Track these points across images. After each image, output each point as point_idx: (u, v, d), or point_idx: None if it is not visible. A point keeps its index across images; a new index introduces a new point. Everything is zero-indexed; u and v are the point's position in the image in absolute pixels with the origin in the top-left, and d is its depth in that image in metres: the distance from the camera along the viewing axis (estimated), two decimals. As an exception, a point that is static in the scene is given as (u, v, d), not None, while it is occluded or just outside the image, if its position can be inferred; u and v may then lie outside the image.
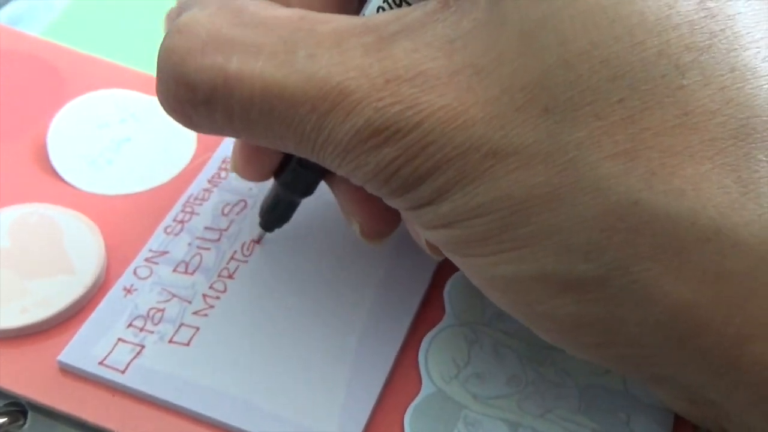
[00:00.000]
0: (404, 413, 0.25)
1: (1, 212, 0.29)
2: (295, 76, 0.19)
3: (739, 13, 0.18)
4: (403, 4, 0.20)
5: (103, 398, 0.25)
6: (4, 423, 0.25)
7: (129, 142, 0.32)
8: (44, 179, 0.31)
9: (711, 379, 0.19)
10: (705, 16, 0.18)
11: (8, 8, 0.39)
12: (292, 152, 0.21)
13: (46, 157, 0.31)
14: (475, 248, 0.20)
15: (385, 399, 0.25)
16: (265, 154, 0.25)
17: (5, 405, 0.25)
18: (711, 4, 0.18)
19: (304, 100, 0.19)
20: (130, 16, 0.39)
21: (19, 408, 0.25)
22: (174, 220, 0.29)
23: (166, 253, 0.28)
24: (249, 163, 0.25)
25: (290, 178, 0.25)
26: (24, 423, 0.25)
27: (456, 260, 0.22)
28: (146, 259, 0.28)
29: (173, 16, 0.22)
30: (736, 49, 0.18)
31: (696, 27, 0.18)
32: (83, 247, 0.28)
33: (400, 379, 0.26)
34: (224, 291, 0.27)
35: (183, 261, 0.28)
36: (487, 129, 0.18)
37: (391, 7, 0.20)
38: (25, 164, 0.31)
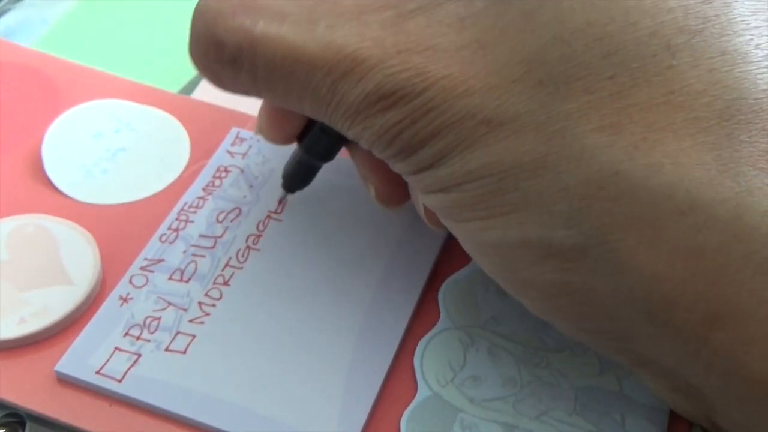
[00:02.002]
0: (400, 418, 0.25)
1: (-3, 224, 0.29)
2: (314, 42, 0.21)
3: (736, 1, 0.19)
4: None
5: (100, 407, 0.25)
6: (2, 434, 0.25)
7: (124, 152, 0.32)
8: (39, 190, 0.31)
9: (685, 361, 0.19)
10: (701, 2, 0.19)
11: (2, 20, 0.39)
12: (308, 113, 0.23)
13: (41, 168, 0.32)
14: (467, 213, 0.21)
15: (382, 404, 0.26)
16: (289, 117, 0.26)
17: (4, 416, 0.25)
18: None
19: (322, 65, 0.21)
20: (123, 26, 0.40)
21: (17, 419, 0.25)
22: (169, 228, 0.30)
23: (161, 261, 0.29)
24: (273, 126, 0.26)
25: (312, 142, 0.27)
26: (22, 433, 0.25)
27: (450, 225, 0.23)
28: (142, 268, 0.28)
29: None
30: (729, 34, 0.18)
31: (691, 11, 0.19)
32: (79, 258, 0.28)
33: (396, 383, 0.26)
34: (220, 298, 0.28)
35: (178, 269, 0.28)
36: (483, 98, 0.19)
37: None
38: (21, 175, 0.32)
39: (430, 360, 0.26)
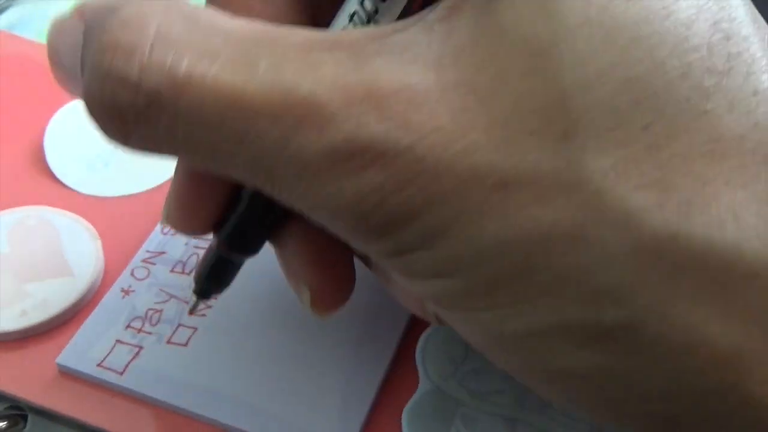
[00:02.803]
0: (402, 411, 0.25)
1: (0, 216, 0.29)
2: (255, 84, 0.17)
3: (751, 35, 0.17)
4: (373, 23, 0.18)
5: (102, 400, 0.25)
6: (4, 426, 0.25)
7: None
8: (41, 182, 0.31)
9: None
10: (721, 38, 0.17)
11: (7, 14, 0.39)
12: (240, 177, 0.18)
13: (43, 160, 0.32)
14: (479, 301, 0.17)
15: (383, 397, 0.26)
16: (205, 202, 0.21)
17: (5, 408, 0.25)
18: (725, 26, 0.17)
19: (266, 110, 0.16)
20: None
21: (19, 411, 0.25)
22: (171, 221, 0.29)
23: (163, 253, 0.28)
24: (185, 213, 0.21)
25: (233, 233, 0.21)
26: (24, 426, 0.25)
27: (449, 316, 0.19)
28: (143, 260, 0.28)
29: (84, 12, 0.19)
30: (755, 72, 0.17)
31: (714, 49, 0.17)
32: (81, 250, 0.28)
33: (398, 377, 0.26)
34: (221, 291, 0.28)
35: (180, 261, 0.28)
36: (493, 156, 0.16)
37: (357, 27, 0.18)
38: (23, 167, 0.32)
39: (432, 354, 0.26)
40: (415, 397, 0.25)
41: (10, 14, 0.39)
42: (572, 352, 0.17)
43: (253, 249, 0.22)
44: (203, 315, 0.27)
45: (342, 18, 0.19)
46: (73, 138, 0.32)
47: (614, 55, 0.16)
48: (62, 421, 0.25)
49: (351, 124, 0.16)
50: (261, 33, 0.17)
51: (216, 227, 0.21)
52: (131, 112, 0.17)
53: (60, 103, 0.33)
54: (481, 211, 0.16)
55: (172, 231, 0.29)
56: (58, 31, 0.19)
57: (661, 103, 0.16)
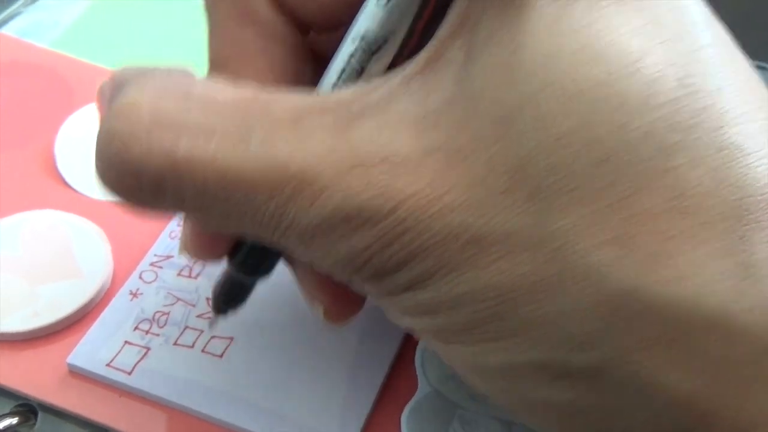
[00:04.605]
0: (401, 413, 0.26)
1: (12, 219, 0.30)
2: (251, 162, 0.18)
3: (720, 88, 0.18)
4: (360, 79, 0.19)
5: (110, 399, 0.26)
6: (15, 423, 0.26)
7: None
8: (53, 186, 0.32)
9: None
10: (687, 94, 0.17)
11: (18, 21, 0.40)
12: (250, 237, 0.20)
13: (54, 165, 0.32)
14: (460, 337, 0.19)
15: (383, 399, 0.26)
16: (218, 234, 0.23)
17: (16, 405, 0.26)
18: (691, 81, 0.17)
19: (263, 187, 0.18)
20: (133, 28, 0.40)
21: (29, 408, 0.26)
22: (178, 225, 0.30)
23: (170, 257, 0.29)
24: (200, 244, 0.23)
25: (245, 259, 0.23)
26: (34, 423, 0.26)
27: (435, 346, 0.20)
28: (152, 264, 0.29)
29: (107, 92, 0.20)
30: (722, 126, 0.17)
31: (679, 106, 0.17)
32: (91, 253, 0.29)
33: (398, 379, 0.27)
34: (227, 294, 0.28)
35: (187, 265, 0.29)
36: (466, 216, 0.17)
37: (347, 84, 0.19)
38: (34, 172, 0.32)
39: (431, 357, 0.27)
40: (415, 399, 0.26)
41: (22, 20, 0.40)
42: (545, 386, 0.18)
43: (264, 272, 0.23)
44: (209, 317, 0.28)
45: (332, 74, 0.20)
46: (84, 144, 0.33)
47: (575, 119, 0.17)
48: (71, 418, 0.26)
49: (340, 194, 0.18)
50: (252, 102, 0.19)
51: (230, 253, 0.23)
52: (137, 194, 0.19)
53: (70, 110, 0.34)
54: (456, 263, 0.18)
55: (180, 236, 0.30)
56: (100, 92, 0.21)
57: (623, 162, 0.17)
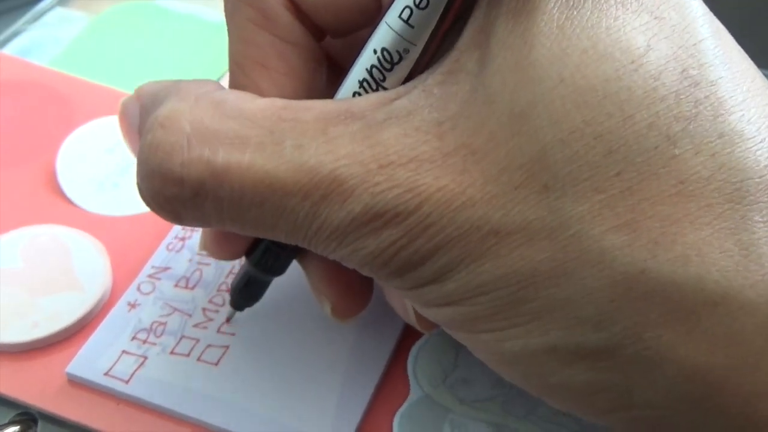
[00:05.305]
0: (393, 417, 0.26)
1: (14, 234, 0.31)
2: (285, 167, 0.19)
3: (720, 78, 0.19)
4: (380, 88, 0.20)
5: (108, 407, 0.26)
6: (16, 431, 0.26)
7: (134, 166, 0.34)
8: (54, 201, 0.33)
9: None
10: (689, 85, 0.18)
11: (18, 40, 0.41)
12: (282, 240, 0.21)
13: (56, 181, 0.33)
14: (483, 324, 0.20)
15: (376, 404, 0.27)
16: (236, 235, 0.24)
17: (17, 414, 0.27)
18: (693, 72, 0.19)
19: (296, 190, 0.19)
20: (133, 45, 0.41)
21: (30, 417, 0.27)
22: (175, 238, 0.31)
23: (168, 269, 0.30)
24: (220, 243, 0.25)
25: (262, 258, 0.25)
26: (35, 431, 0.26)
27: (460, 336, 0.21)
28: (149, 275, 0.30)
29: (130, 107, 0.22)
30: (721, 114, 0.18)
31: (682, 96, 0.18)
32: (90, 265, 0.30)
33: (390, 385, 0.27)
34: (222, 304, 0.29)
35: (184, 276, 0.30)
36: (487, 209, 0.19)
37: (367, 92, 0.20)
38: (36, 188, 0.33)
39: (423, 363, 0.28)
40: (407, 404, 0.27)
41: (24, 38, 0.41)
42: (562, 369, 0.20)
43: (279, 270, 0.26)
44: (205, 328, 0.28)
45: (351, 82, 0.21)
46: (84, 160, 0.34)
47: (586, 113, 0.18)
48: (71, 426, 0.26)
49: (368, 194, 0.19)
50: (282, 111, 0.20)
51: (247, 252, 0.25)
52: (179, 201, 0.20)
53: (72, 127, 0.35)
54: (478, 253, 0.19)
55: (177, 248, 0.31)
56: (123, 108, 0.23)
57: (631, 152, 0.18)
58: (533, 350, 0.20)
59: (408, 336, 0.28)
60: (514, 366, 0.21)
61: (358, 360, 0.27)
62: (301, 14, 0.21)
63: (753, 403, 0.19)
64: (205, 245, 0.25)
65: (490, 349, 0.21)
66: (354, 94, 0.21)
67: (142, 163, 0.21)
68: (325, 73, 0.23)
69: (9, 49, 0.40)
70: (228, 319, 0.29)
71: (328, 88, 0.22)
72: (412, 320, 0.25)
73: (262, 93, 0.21)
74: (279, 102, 0.20)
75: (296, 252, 0.25)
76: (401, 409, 0.26)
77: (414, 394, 0.27)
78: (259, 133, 0.20)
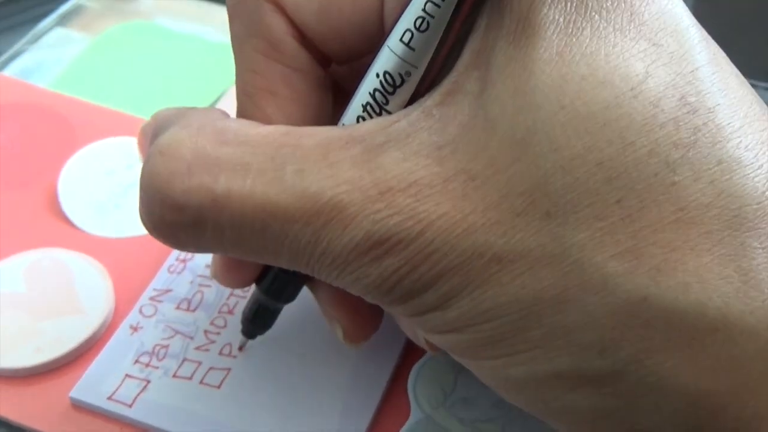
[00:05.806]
0: (394, 438, 0.26)
1: (16, 258, 0.31)
2: (286, 193, 0.19)
3: (717, 105, 0.19)
4: (383, 112, 0.21)
5: (112, 431, 0.27)
6: (20, 456, 0.27)
7: (135, 187, 0.34)
8: (56, 224, 0.33)
9: None
10: (687, 112, 0.19)
11: (19, 62, 0.42)
12: (285, 266, 0.21)
13: (57, 203, 0.34)
14: (486, 351, 0.20)
15: (376, 426, 0.27)
16: (246, 261, 0.25)
17: (21, 439, 0.27)
18: (691, 99, 0.19)
19: (298, 216, 0.19)
20: (134, 66, 0.41)
21: (34, 442, 0.27)
22: (177, 259, 0.31)
23: (169, 291, 0.30)
24: (230, 272, 0.25)
25: (272, 285, 0.25)
26: (39, 456, 0.27)
27: (464, 362, 0.21)
28: (151, 298, 0.30)
29: (148, 132, 0.22)
30: (719, 141, 0.19)
31: (680, 123, 0.18)
32: (93, 289, 0.30)
33: (390, 406, 0.27)
34: (224, 326, 0.29)
35: (185, 298, 0.30)
36: (489, 235, 0.18)
37: (371, 116, 0.21)
38: (38, 210, 0.33)
39: (423, 384, 0.28)
40: (407, 425, 0.27)
41: (25, 59, 0.41)
42: (566, 394, 0.20)
43: (290, 298, 0.26)
44: (207, 350, 0.28)
45: (355, 107, 0.21)
46: (86, 183, 0.34)
47: (587, 140, 0.18)
48: (75, 451, 0.27)
49: (369, 221, 0.19)
50: (283, 137, 0.20)
51: (257, 280, 0.25)
52: (180, 228, 0.20)
53: (74, 149, 0.35)
54: (481, 281, 0.19)
55: (179, 270, 0.31)
56: (142, 132, 0.24)
57: (632, 179, 0.18)
58: (537, 376, 0.20)
59: (408, 355, 0.29)
60: (518, 391, 0.21)
61: (359, 381, 0.28)
62: (307, 42, 0.22)
63: (755, 427, 0.19)
64: (215, 273, 0.25)
65: (494, 375, 0.21)
66: (358, 119, 0.21)
67: (143, 189, 0.21)
68: (331, 99, 0.23)
69: (10, 71, 0.41)
70: (240, 347, 0.29)
71: (335, 115, 0.22)
72: (422, 343, 0.25)
73: (270, 120, 0.22)
74: (282, 128, 0.20)
75: (306, 279, 0.25)
76: (402, 430, 0.27)
77: (414, 414, 0.27)
78: (261, 160, 0.20)
